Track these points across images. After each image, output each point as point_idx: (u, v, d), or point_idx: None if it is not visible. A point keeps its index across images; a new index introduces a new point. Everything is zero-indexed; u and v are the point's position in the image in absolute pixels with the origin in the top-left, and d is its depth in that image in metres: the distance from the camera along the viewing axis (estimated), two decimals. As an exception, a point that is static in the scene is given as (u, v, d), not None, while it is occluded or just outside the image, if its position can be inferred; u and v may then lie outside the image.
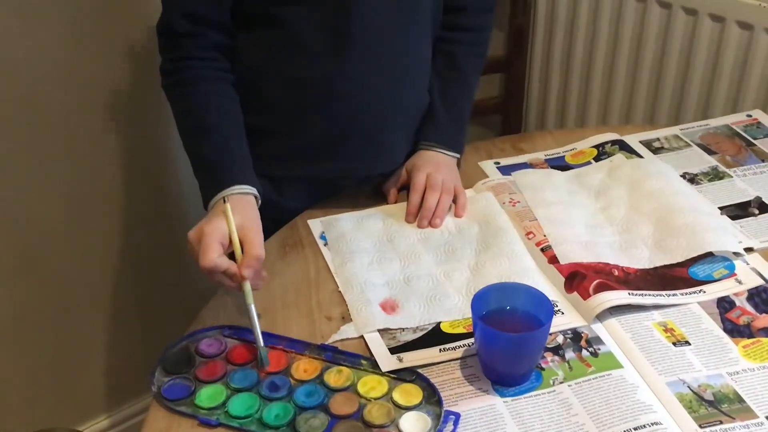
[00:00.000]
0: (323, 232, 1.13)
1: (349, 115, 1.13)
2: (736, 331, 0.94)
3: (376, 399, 0.87)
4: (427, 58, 1.20)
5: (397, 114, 1.17)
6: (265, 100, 1.14)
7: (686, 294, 0.99)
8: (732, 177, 1.21)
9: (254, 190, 1.04)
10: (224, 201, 0.97)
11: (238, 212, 0.97)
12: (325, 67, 1.10)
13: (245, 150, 1.08)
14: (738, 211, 1.14)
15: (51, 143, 1.39)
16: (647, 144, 1.30)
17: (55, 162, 1.41)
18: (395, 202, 1.19)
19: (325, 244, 1.11)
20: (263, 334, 0.92)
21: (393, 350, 0.93)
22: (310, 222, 1.16)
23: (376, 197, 1.21)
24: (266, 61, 1.12)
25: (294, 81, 1.11)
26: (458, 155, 1.23)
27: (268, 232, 1.12)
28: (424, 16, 1.17)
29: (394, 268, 1.06)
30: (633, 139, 1.31)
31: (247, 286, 0.93)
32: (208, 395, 0.88)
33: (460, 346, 0.93)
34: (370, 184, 1.23)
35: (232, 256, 0.95)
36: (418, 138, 1.22)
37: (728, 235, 1.07)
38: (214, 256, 0.91)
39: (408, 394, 0.87)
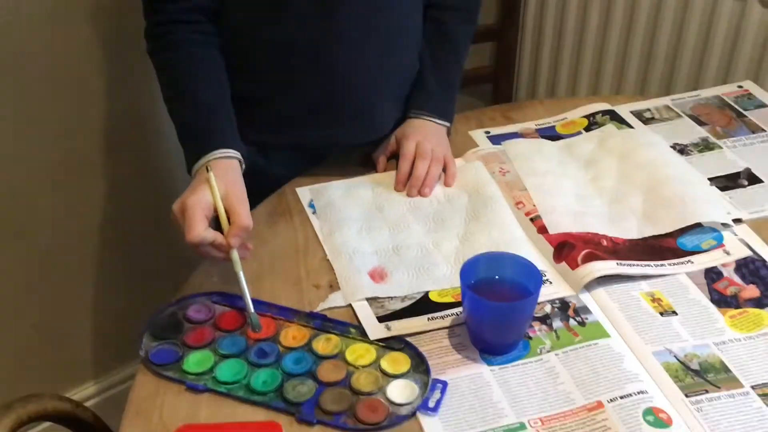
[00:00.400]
0: (312, 201, 1.13)
1: (338, 80, 1.12)
2: (723, 301, 0.94)
3: (364, 367, 0.87)
4: (418, 24, 1.19)
5: (387, 79, 1.16)
6: (251, 66, 1.12)
7: (674, 264, 0.99)
8: (722, 148, 1.21)
9: (238, 154, 1.02)
10: (207, 169, 0.96)
11: (221, 179, 0.96)
12: (313, 31, 1.08)
13: (230, 114, 1.07)
14: (727, 182, 1.14)
15: (34, 107, 1.37)
16: (638, 114, 1.30)
17: (39, 126, 1.39)
18: (384, 171, 1.19)
19: (314, 213, 1.10)
20: (252, 300, 0.92)
21: (381, 319, 0.93)
22: (298, 190, 1.15)
23: (365, 165, 1.20)
24: (252, 25, 1.10)
25: (281, 45, 1.10)
26: (448, 124, 1.22)
27: (254, 200, 1.12)
28: None
29: (383, 237, 1.06)
30: (624, 110, 1.31)
31: (235, 255, 0.93)
32: (195, 361, 0.88)
33: (448, 315, 0.93)
34: (358, 152, 1.22)
35: (217, 221, 0.95)
36: (408, 106, 1.21)
37: (717, 206, 1.07)
38: (200, 230, 0.91)
39: (396, 362, 0.87)
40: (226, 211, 0.94)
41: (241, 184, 0.99)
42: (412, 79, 1.21)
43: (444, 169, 1.16)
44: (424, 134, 1.17)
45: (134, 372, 0.89)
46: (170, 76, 1.08)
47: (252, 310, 0.91)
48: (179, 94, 1.07)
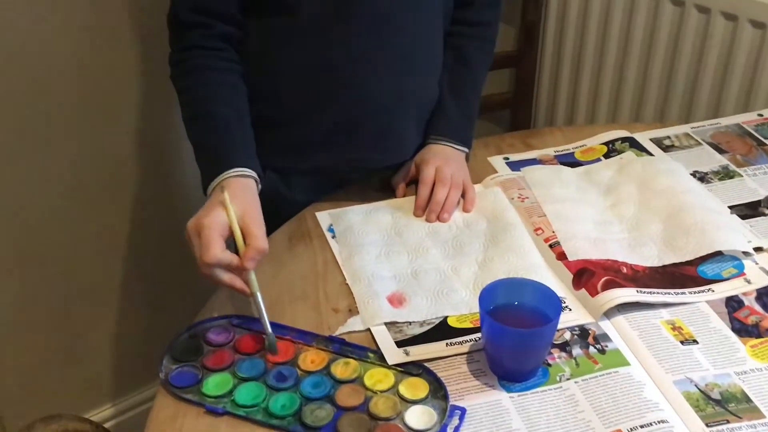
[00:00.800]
0: (331, 225, 1.13)
1: (360, 102, 1.13)
2: (744, 330, 0.94)
3: (382, 392, 0.87)
4: (439, 49, 1.20)
5: (408, 102, 1.17)
6: (274, 90, 1.14)
7: (695, 293, 0.99)
8: (742, 176, 1.21)
9: (254, 173, 1.03)
10: (222, 190, 0.97)
11: (237, 200, 0.96)
12: (335, 54, 1.10)
13: (247, 135, 1.07)
14: (748, 211, 1.13)
15: (57, 132, 1.39)
16: (658, 142, 1.30)
17: (61, 149, 1.41)
18: (403, 196, 1.19)
19: (333, 237, 1.11)
20: (271, 324, 0.92)
21: (400, 343, 0.93)
22: (318, 214, 1.16)
23: (385, 190, 1.21)
24: (274, 50, 1.12)
25: (303, 68, 1.11)
26: (467, 150, 1.23)
27: (275, 227, 1.12)
28: (435, 6, 1.17)
29: (401, 262, 1.06)
30: (643, 137, 1.31)
31: (252, 276, 0.93)
32: (215, 384, 0.88)
33: (466, 341, 0.93)
34: (378, 177, 1.23)
35: (232, 243, 0.95)
36: (428, 132, 1.22)
37: (738, 235, 1.07)
38: (217, 251, 0.91)
39: (414, 387, 0.87)
40: (242, 232, 0.94)
41: (257, 205, 0.99)
42: (432, 104, 1.22)
43: (463, 195, 1.16)
44: (444, 159, 1.18)
45: (152, 394, 0.89)
46: (189, 98, 1.10)
47: (269, 331, 0.91)
48: (196, 115, 1.08)
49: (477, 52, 1.25)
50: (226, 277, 0.93)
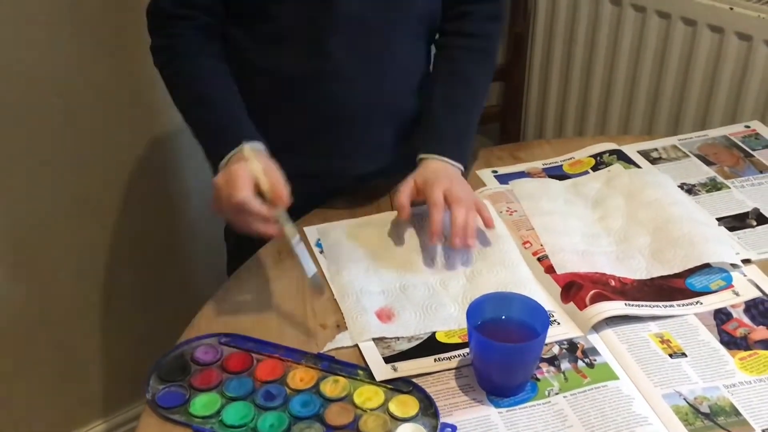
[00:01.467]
0: (319, 240, 1.13)
1: (329, 108, 1.14)
2: (732, 343, 0.94)
3: (372, 410, 0.86)
4: (418, 61, 1.20)
5: (380, 110, 1.17)
6: (249, 94, 1.13)
7: (683, 305, 0.99)
8: (730, 188, 1.21)
9: (264, 147, 1.05)
10: (242, 151, 0.99)
11: (259, 161, 0.98)
12: (310, 60, 1.11)
13: (248, 118, 1.10)
14: (736, 223, 1.14)
15: (51, 143, 1.39)
16: (645, 154, 1.30)
17: (54, 165, 1.41)
18: (407, 216, 1.11)
19: (321, 252, 1.11)
20: (257, 341, 0.92)
21: (388, 359, 0.92)
22: (306, 229, 1.15)
23: (373, 205, 1.20)
24: (250, 54, 1.13)
25: (276, 73, 1.13)
26: (462, 167, 1.16)
27: (260, 243, 1.12)
28: (414, 16, 1.17)
29: (390, 277, 1.06)
30: (631, 149, 1.31)
31: (288, 224, 0.95)
32: (202, 403, 0.87)
33: (455, 356, 0.93)
34: (365, 189, 1.22)
35: None
36: (421, 147, 1.16)
37: (726, 247, 1.07)
38: (246, 191, 0.93)
39: (404, 405, 0.86)
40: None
41: (277, 168, 1.00)
42: (413, 114, 1.21)
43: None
44: (449, 180, 1.10)
45: (142, 411, 0.88)
46: (184, 82, 1.11)
47: (314, 270, 0.95)
48: (196, 98, 1.09)
49: (472, 65, 1.20)
50: (260, 223, 0.94)
